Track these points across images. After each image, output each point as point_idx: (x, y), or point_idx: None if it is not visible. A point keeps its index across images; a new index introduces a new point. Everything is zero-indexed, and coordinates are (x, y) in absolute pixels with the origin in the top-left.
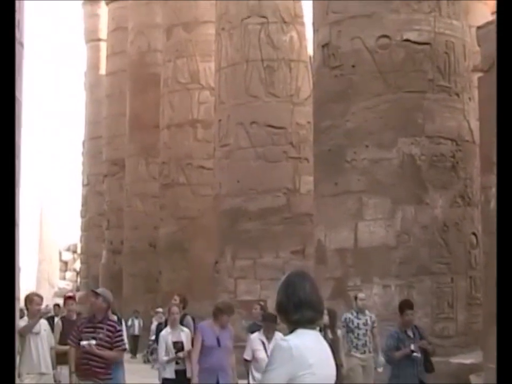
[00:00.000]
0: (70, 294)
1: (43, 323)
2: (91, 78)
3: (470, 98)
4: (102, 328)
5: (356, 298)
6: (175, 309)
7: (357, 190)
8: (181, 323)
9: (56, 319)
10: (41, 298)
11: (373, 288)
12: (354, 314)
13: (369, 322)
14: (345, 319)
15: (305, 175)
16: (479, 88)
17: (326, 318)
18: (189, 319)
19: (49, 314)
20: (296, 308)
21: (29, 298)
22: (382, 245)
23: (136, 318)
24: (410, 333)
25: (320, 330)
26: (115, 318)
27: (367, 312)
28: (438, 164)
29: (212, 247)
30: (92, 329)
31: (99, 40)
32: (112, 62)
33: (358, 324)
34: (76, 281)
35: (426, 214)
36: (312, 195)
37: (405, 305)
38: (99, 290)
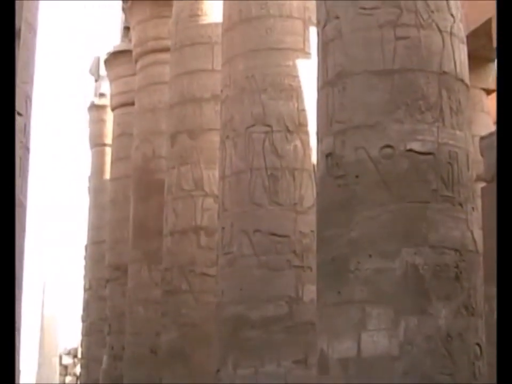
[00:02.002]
0: None
1: None
2: (95, 182)
3: (473, 208)
4: None
5: None
6: None
7: (360, 299)
8: None
9: None
10: None
11: None
12: None
13: None
14: None
15: (308, 283)
16: (482, 198)
17: None
18: None
19: None
20: None
21: None
22: (385, 355)
23: None
24: None
25: None
26: None
27: None
28: (441, 274)
29: (213, 354)
30: None
31: (104, 145)
32: (116, 167)
33: None
34: None
35: (429, 325)
36: (315, 304)
37: None
38: None
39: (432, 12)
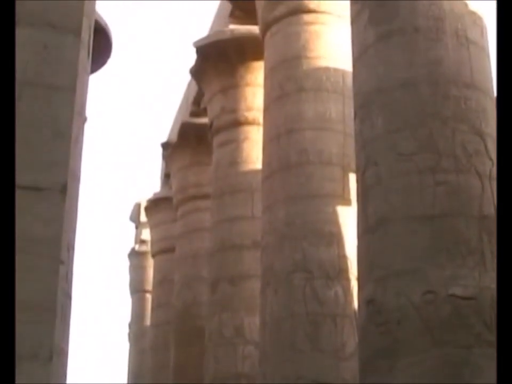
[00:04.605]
0: None
1: None
2: (135, 328)
3: None
4: None
5: None
6: None
7: None
8: None
9: None
10: None
11: None
12: None
13: None
14: None
15: None
16: None
17: None
18: None
19: None
20: None
21: None
22: None
23: None
24: None
25: None
26: None
27: None
28: None
29: None
30: None
31: (145, 291)
32: (157, 314)
33: None
34: None
35: None
36: None
37: None
38: None
39: (471, 156)
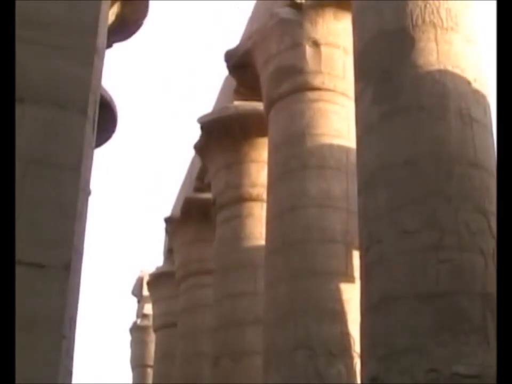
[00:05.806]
0: None
1: None
2: None
3: None
4: None
5: None
6: None
7: None
8: None
9: None
10: None
11: None
12: None
13: None
14: None
15: None
16: None
17: None
18: None
19: None
20: None
21: None
22: None
23: None
24: None
25: None
26: None
27: None
28: None
29: None
30: None
31: (146, 366)
32: None
33: None
34: None
35: None
36: None
37: None
38: None
39: (474, 234)
